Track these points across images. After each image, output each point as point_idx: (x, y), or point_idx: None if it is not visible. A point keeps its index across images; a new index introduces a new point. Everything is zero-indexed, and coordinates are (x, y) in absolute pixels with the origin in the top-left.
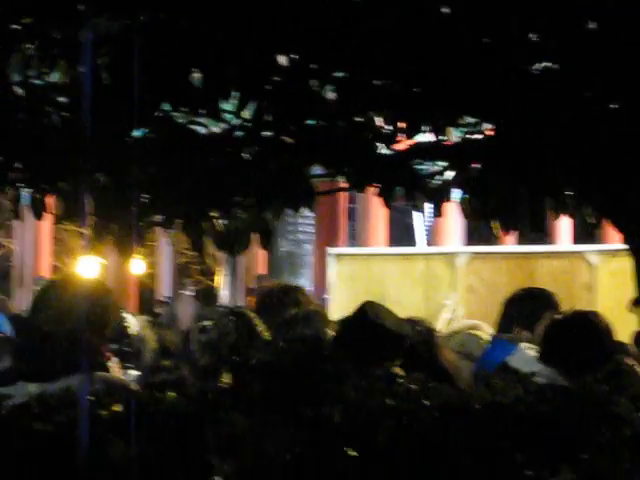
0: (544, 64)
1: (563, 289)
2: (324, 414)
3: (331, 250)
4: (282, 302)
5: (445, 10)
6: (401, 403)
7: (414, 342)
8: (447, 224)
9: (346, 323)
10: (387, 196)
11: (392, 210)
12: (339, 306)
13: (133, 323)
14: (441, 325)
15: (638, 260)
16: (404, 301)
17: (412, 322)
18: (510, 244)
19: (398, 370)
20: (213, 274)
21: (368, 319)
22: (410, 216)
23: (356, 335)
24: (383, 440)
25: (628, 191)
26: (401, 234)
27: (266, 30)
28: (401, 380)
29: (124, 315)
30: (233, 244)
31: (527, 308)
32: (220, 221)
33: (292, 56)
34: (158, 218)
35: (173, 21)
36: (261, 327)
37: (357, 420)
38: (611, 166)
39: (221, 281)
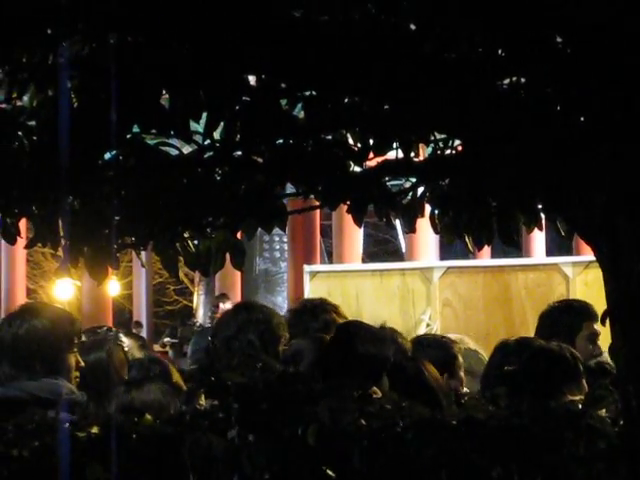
0: (512, 79)
1: (539, 301)
2: (298, 435)
3: (307, 267)
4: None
5: (412, 27)
6: (375, 422)
7: (399, 359)
8: (422, 239)
9: (327, 345)
10: (358, 213)
11: (367, 226)
12: None
13: (128, 345)
14: None
15: (606, 273)
16: (381, 317)
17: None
18: (485, 257)
19: (376, 390)
20: (190, 294)
21: (349, 341)
22: (385, 232)
23: (336, 357)
24: (358, 460)
25: (595, 204)
26: (377, 250)
27: (234, 50)
28: (375, 400)
29: (120, 337)
30: (206, 264)
31: (565, 320)
32: (192, 242)
33: (261, 76)
34: (129, 240)
35: (142, 43)
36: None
37: (331, 441)
38: (579, 180)
39: (197, 301)
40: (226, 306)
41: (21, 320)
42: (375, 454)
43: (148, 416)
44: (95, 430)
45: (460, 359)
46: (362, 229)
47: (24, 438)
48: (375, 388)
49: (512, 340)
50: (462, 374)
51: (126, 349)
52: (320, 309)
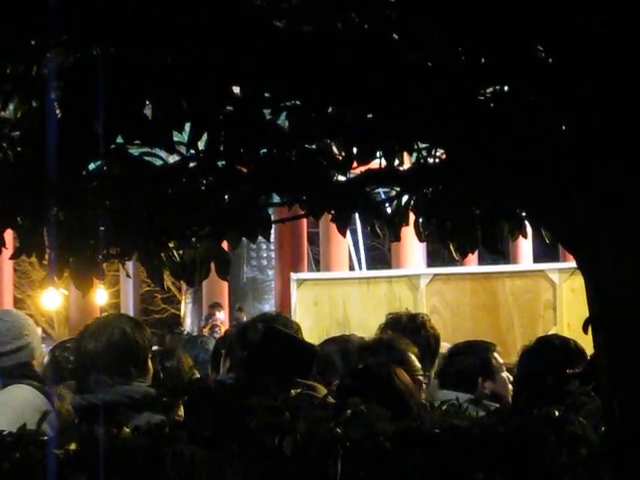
0: (494, 87)
1: (526, 308)
2: (275, 445)
3: (294, 275)
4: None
5: (395, 36)
6: (350, 431)
7: (369, 365)
8: (409, 246)
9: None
10: (342, 222)
11: (352, 233)
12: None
13: None
14: None
15: (588, 280)
16: (368, 324)
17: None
18: (473, 264)
19: (356, 401)
20: (178, 302)
21: (280, 338)
22: (372, 239)
23: (269, 356)
24: (336, 469)
25: (575, 212)
26: (366, 257)
27: (218, 60)
28: (350, 407)
29: None
30: (191, 274)
31: None
32: (177, 251)
33: (244, 85)
34: (114, 251)
35: (125, 54)
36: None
37: (307, 450)
38: (561, 188)
39: (185, 309)
40: (220, 315)
41: (107, 329)
42: (356, 463)
43: (126, 429)
44: (74, 445)
45: (495, 361)
46: (349, 236)
47: None
48: (319, 386)
49: (533, 345)
50: (504, 375)
51: None
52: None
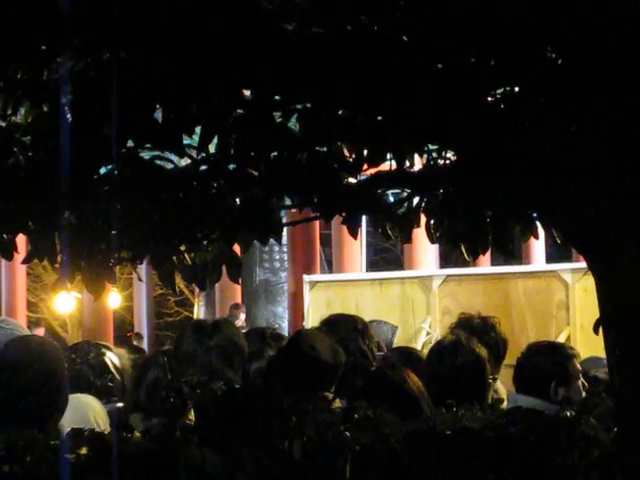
0: (504, 88)
1: (539, 309)
2: (284, 448)
3: (306, 277)
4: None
5: (404, 38)
6: (360, 435)
7: (381, 367)
8: (421, 247)
9: (280, 354)
10: (353, 224)
11: (367, 235)
12: None
13: (113, 357)
14: (419, 348)
15: (599, 282)
16: None
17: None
18: (486, 264)
19: (363, 404)
20: (191, 305)
21: (302, 351)
22: (385, 240)
23: (290, 366)
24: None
25: (586, 215)
26: (377, 258)
27: (228, 64)
28: (360, 411)
29: (104, 350)
30: (203, 277)
31: None
32: (188, 255)
33: (255, 89)
34: (126, 254)
35: (135, 58)
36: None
37: (316, 454)
38: (571, 189)
39: (198, 312)
40: (242, 316)
41: (216, 332)
42: (365, 467)
43: (137, 433)
44: (85, 450)
45: (573, 366)
46: (364, 238)
47: None
48: (330, 394)
49: None
50: (579, 382)
51: (114, 360)
52: None
